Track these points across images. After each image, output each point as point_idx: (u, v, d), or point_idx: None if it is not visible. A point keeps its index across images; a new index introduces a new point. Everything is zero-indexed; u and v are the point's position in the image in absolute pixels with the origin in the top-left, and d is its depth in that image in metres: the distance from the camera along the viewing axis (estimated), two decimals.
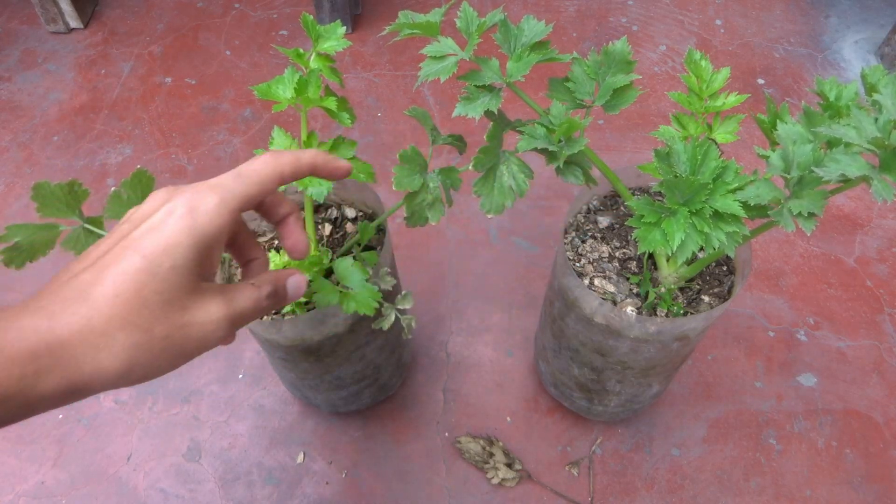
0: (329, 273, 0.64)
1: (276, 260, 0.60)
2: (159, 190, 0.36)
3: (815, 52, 1.35)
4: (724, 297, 0.66)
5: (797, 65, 1.32)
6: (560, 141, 0.53)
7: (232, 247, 0.43)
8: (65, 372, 0.32)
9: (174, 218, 0.34)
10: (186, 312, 0.34)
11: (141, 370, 0.34)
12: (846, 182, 0.46)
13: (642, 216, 0.51)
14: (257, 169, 0.37)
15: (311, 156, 0.40)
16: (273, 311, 0.62)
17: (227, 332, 0.36)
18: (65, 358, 0.32)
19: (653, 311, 0.64)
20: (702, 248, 0.50)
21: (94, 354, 0.32)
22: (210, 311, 0.35)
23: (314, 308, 0.57)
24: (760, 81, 1.30)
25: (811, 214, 0.46)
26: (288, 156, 0.39)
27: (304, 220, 0.42)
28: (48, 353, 0.31)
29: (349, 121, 0.55)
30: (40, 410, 0.32)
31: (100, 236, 0.53)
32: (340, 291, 0.57)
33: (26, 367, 0.30)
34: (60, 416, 0.91)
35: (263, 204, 0.41)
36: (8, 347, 0.31)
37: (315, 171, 0.40)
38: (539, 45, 0.52)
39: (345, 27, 0.56)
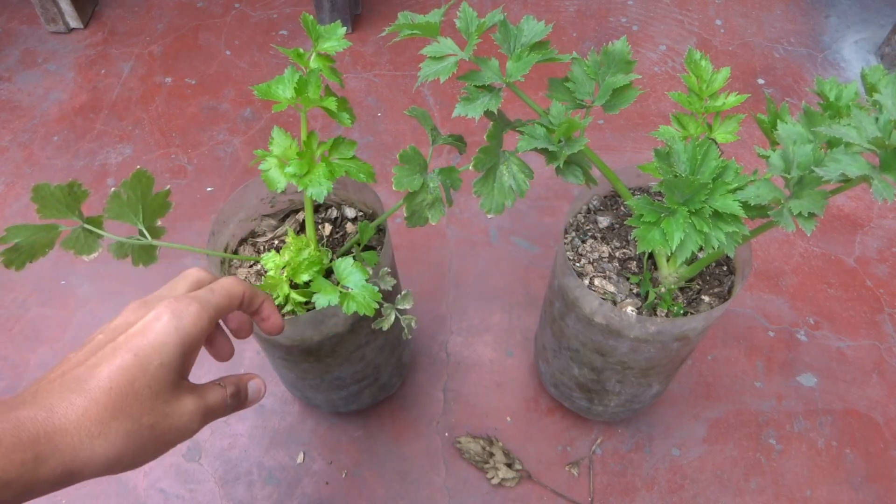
0: (329, 273, 0.64)
1: (275, 260, 0.60)
2: (131, 303, 0.42)
3: (815, 52, 1.35)
4: (724, 297, 0.66)
5: (797, 65, 1.32)
6: (560, 141, 0.53)
7: (209, 346, 0.49)
8: (63, 458, 0.34)
9: (161, 323, 0.39)
10: (169, 405, 0.39)
11: (130, 457, 0.37)
12: (846, 182, 0.46)
13: (641, 215, 0.51)
14: (225, 286, 0.45)
15: (263, 296, 0.48)
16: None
17: (200, 424, 0.41)
18: (62, 445, 0.35)
19: (653, 311, 0.64)
20: (701, 248, 0.50)
21: (89, 442, 0.35)
22: (188, 405, 0.40)
23: (314, 308, 0.57)
24: (760, 81, 1.30)
25: (811, 214, 0.46)
26: (248, 286, 0.47)
27: (273, 302, 0.50)
28: (47, 440, 0.34)
29: (349, 121, 0.55)
30: (37, 494, 0.35)
31: (99, 236, 0.53)
32: (340, 291, 0.57)
33: (26, 453, 0.33)
34: None
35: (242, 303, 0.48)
36: (8, 437, 0.33)
37: (257, 311, 0.48)
38: (539, 45, 0.52)
39: (345, 27, 0.56)
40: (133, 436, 0.37)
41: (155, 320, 0.39)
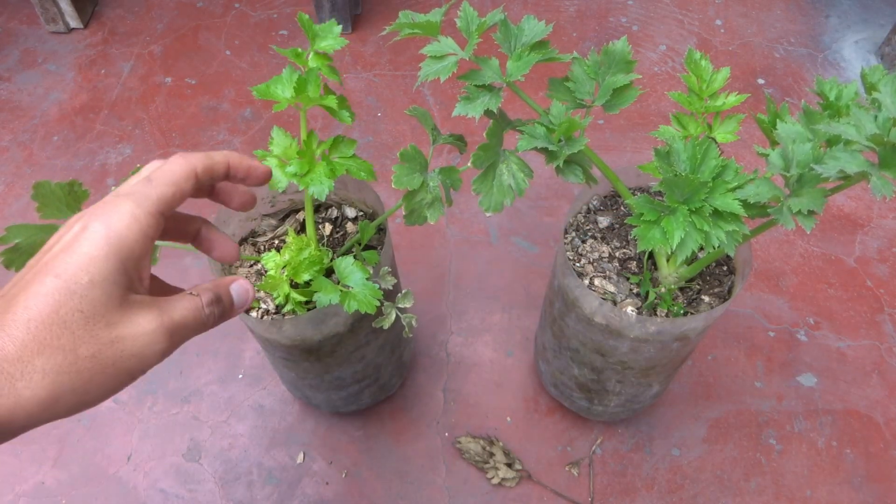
0: (330, 272, 0.64)
1: (276, 259, 0.60)
2: (70, 218, 0.35)
3: (815, 52, 1.35)
4: (724, 297, 0.66)
5: (797, 65, 1.32)
6: (560, 140, 0.53)
7: (171, 236, 0.41)
8: None
9: (88, 233, 0.32)
10: (115, 328, 0.32)
11: (71, 396, 0.31)
12: (846, 179, 0.46)
13: (641, 214, 0.51)
14: (169, 170, 0.36)
15: (223, 155, 0.38)
16: (274, 311, 0.61)
17: (167, 345, 0.34)
18: None
19: (653, 311, 0.64)
20: (702, 248, 0.50)
21: (10, 386, 0.29)
22: (141, 324, 0.33)
23: (315, 307, 0.57)
24: (760, 81, 1.30)
25: (811, 212, 0.46)
26: (199, 155, 0.37)
27: (216, 226, 0.43)
28: None
29: (349, 118, 0.55)
30: None
31: None
32: (341, 290, 0.57)
33: None
34: None
35: (172, 229, 0.40)
36: None
37: (231, 172, 0.39)
38: (539, 45, 0.52)
39: (341, 25, 0.56)
40: (67, 372, 0.30)
41: (81, 231, 0.32)
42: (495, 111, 0.53)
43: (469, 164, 0.53)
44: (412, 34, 0.51)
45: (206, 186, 0.40)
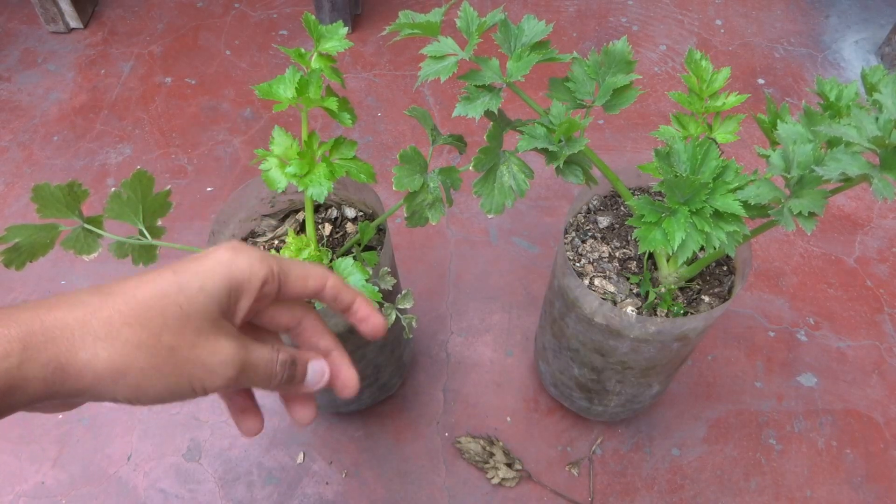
0: None
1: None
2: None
3: (815, 52, 1.35)
4: (724, 297, 0.66)
5: (797, 65, 1.32)
6: (560, 141, 0.53)
7: (235, 409, 0.42)
8: (56, 352, 0.30)
9: (215, 254, 0.36)
10: (200, 335, 0.34)
11: (138, 375, 0.32)
12: (847, 181, 0.46)
13: (643, 216, 0.51)
14: (309, 265, 0.39)
15: (355, 293, 0.41)
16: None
17: (234, 374, 0.35)
18: (59, 339, 0.30)
19: (653, 311, 0.64)
20: (702, 248, 0.50)
21: (92, 342, 0.31)
22: (223, 344, 0.35)
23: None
24: (760, 81, 1.30)
25: (811, 214, 0.46)
26: (339, 278, 0.40)
27: (347, 356, 0.42)
28: (42, 331, 0.30)
29: (350, 121, 0.55)
30: (28, 395, 0.30)
31: (99, 236, 0.53)
32: None
33: (13, 343, 0.29)
34: (60, 416, 0.91)
35: (301, 335, 0.42)
36: None
37: (350, 310, 0.41)
38: (539, 45, 0.52)
39: (346, 27, 0.56)
40: (146, 348, 0.32)
41: (211, 252, 0.36)
42: (495, 111, 0.53)
43: (470, 167, 0.53)
44: (412, 34, 0.51)
45: (290, 317, 0.42)
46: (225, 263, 0.35)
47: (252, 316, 0.39)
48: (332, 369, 0.42)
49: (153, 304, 0.33)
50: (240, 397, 0.42)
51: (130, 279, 0.34)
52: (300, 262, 0.39)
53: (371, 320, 0.42)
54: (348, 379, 0.41)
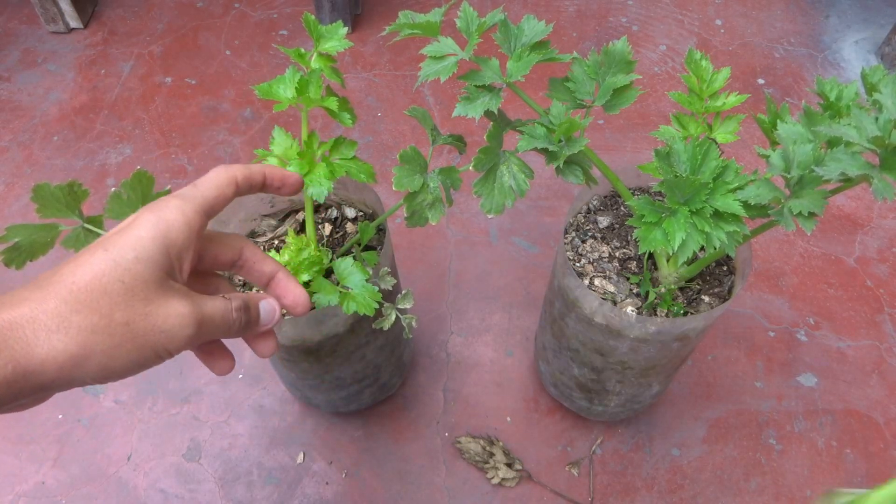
0: (329, 273, 0.64)
1: (277, 259, 0.60)
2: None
3: (815, 52, 1.35)
4: (724, 297, 0.66)
5: (797, 65, 1.32)
6: (560, 141, 0.53)
7: (206, 355, 0.44)
8: (13, 353, 0.30)
9: (139, 220, 0.35)
10: (150, 303, 0.34)
11: (101, 357, 0.32)
12: (847, 181, 0.46)
13: (643, 216, 0.51)
14: (211, 177, 0.40)
15: (260, 166, 0.42)
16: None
17: (194, 331, 0.36)
18: (12, 340, 0.30)
19: (653, 311, 0.64)
20: (702, 248, 0.50)
21: (46, 336, 0.31)
22: (175, 306, 0.35)
23: (314, 308, 0.57)
24: (760, 81, 1.30)
25: (811, 214, 0.46)
26: (239, 166, 0.41)
27: (292, 275, 0.44)
28: None
29: (350, 121, 0.55)
30: None
31: (100, 235, 0.53)
32: (340, 291, 0.57)
33: None
34: (60, 417, 0.91)
35: (244, 265, 0.43)
36: None
37: (267, 181, 0.42)
38: (539, 45, 0.52)
39: (346, 27, 0.56)
40: (102, 331, 0.32)
41: (134, 219, 0.36)
42: (495, 111, 0.53)
43: (470, 167, 0.53)
44: (412, 34, 0.51)
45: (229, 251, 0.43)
46: (151, 226, 0.35)
47: (195, 263, 0.39)
48: (279, 292, 0.43)
49: (95, 287, 0.33)
50: (205, 343, 0.43)
51: (63, 266, 0.34)
52: (202, 180, 0.39)
53: (291, 293, 0.43)
54: (297, 297, 0.43)
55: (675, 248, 0.49)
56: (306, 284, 0.60)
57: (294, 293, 0.43)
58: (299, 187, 0.44)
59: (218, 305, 0.37)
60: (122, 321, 0.33)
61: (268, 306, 0.42)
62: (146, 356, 0.34)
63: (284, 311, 0.45)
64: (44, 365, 0.31)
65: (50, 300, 0.32)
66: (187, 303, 0.35)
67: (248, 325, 0.40)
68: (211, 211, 0.39)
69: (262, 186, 0.42)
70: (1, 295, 0.33)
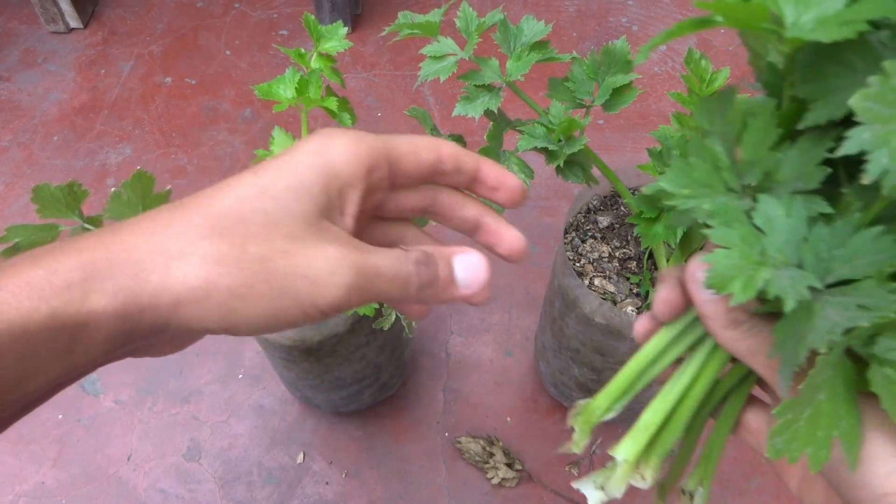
0: None
1: None
2: None
3: None
4: None
5: None
6: (560, 140, 0.53)
7: (433, 216, 0.35)
8: (125, 279, 0.25)
9: (301, 145, 0.29)
10: (296, 242, 0.27)
11: (226, 295, 0.26)
12: None
13: (642, 212, 0.51)
14: (411, 136, 0.31)
15: (476, 156, 0.32)
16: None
17: (350, 279, 0.27)
18: (126, 263, 0.25)
19: None
20: (703, 247, 0.50)
21: (164, 263, 0.25)
22: (327, 249, 0.27)
23: None
24: None
25: None
26: (451, 143, 0.32)
27: (501, 216, 0.34)
28: (106, 257, 0.25)
29: (350, 121, 0.55)
30: (97, 343, 0.25)
31: None
32: None
33: (73, 273, 0.24)
34: (60, 417, 0.91)
35: (438, 212, 0.35)
36: (53, 258, 0.24)
37: (477, 177, 0.33)
38: (539, 45, 0.52)
39: (346, 27, 0.56)
40: (230, 264, 0.26)
41: (295, 146, 0.29)
42: (495, 111, 0.53)
43: None
44: (412, 34, 0.51)
45: (467, 223, 0.34)
46: (315, 154, 0.29)
47: (372, 211, 0.32)
48: (489, 240, 0.34)
49: (231, 213, 0.27)
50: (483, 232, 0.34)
51: (207, 189, 0.28)
52: (403, 136, 0.31)
53: (506, 239, 0.33)
54: (513, 240, 0.33)
55: (679, 240, 0.50)
56: None
57: (509, 238, 0.33)
58: (519, 197, 0.33)
59: (388, 253, 0.29)
60: (255, 255, 0.26)
61: (468, 261, 0.32)
62: (285, 306, 0.27)
63: None
64: (157, 297, 0.25)
65: (177, 222, 0.26)
66: (344, 248, 0.28)
67: (434, 286, 0.31)
68: (395, 160, 0.31)
69: (472, 180, 0.33)
70: (138, 216, 0.28)
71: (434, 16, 0.50)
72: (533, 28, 0.52)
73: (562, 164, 0.53)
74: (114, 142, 1.21)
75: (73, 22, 1.39)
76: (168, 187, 0.56)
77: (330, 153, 0.29)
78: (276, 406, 0.91)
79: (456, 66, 0.51)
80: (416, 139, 0.31)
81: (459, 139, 0.60)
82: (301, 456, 0.87)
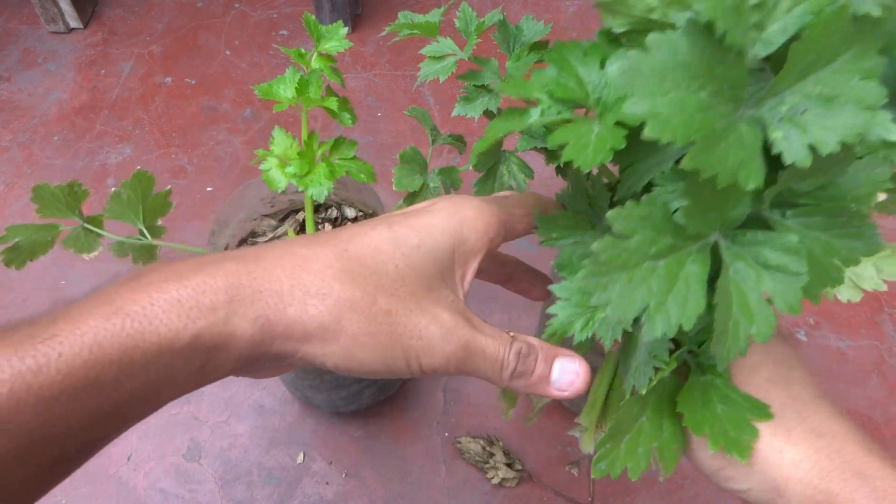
0: None
1: None
2: None
3: None
4: None
5: None
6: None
7: (487, 275, 0.38)
8: (265, 308, 0.26)
9: (435, 207, 0.31)
10: (419, 302, 0.29)
11: (351, 340, 0.28)
12: None
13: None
14: (523, 195, 0.35)
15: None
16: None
17: (456, 354, 0.29)
18: (268, 292, 0.26)
19: None
20: None
21: (301, 297, 0.27)
22: (444, 318, 0.29)
23: None
24: None
25: None
26: (541, 198, 0.36)
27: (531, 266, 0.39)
28: (250, 282, 0.26)
29: (350, 121, 0.55)
30: (227, 363, 0.26)
31: (100, 235, 0.53)
32: None
33: (220, 294, 0.26)
34: None
35: (515, 284, 0.38)
36: (199, 278, 0.26)
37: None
38: (538, 45, 0.52)
39: (348, 27, 0.56)
40: (361, 311, 0.27)
41: (429, 204, 0.32)
42: (494, 111, 0.53)
43: (469, 166, 0.53)
44: (411, 35, 0.51)
45: (502, 272, 0.39)
46: (448, 217, 0.30)
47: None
48: (522, 288, 0.39)
49: (367, 261, 0.28)
50: (518, 271, 0.40)
51: (342, 230, 0.30)
52: (512, 195, 0.34)
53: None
54: (539, 292, 0.38)
55: None
56: None
57: (535, 291, 0.38)
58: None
59: (494, 335, 0.31)
60: (383, 308, 0.28)
61: (570, 367, 0.34)
62: (396, 359, 0.29)
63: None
64: (292, 328, 0.27)
65: (317, 261, 0.28)
66: (458, 319, 0.30)
67: (524, 376, 0.33)
68: (511, 230, 0.33)
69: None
70: (274, 243, 0.29)
71: (433, 16, 0.50)
72: (532, 28, 0.52)
73: (562, 164, 0.53)
74: (114, 142, 1.21)
75: (73, 22, 1.39)
76: (168, 187, 0.56)
77: (459, 221, 0.31)
78: (276, 406, 0.91)
79: (455, 66, 0.51)
80: (525, 199, 0.36)
81: (459, 139, 0.60)
82: (301, 456, 0.87)
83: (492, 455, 0.86)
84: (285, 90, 0.54)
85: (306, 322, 0.27)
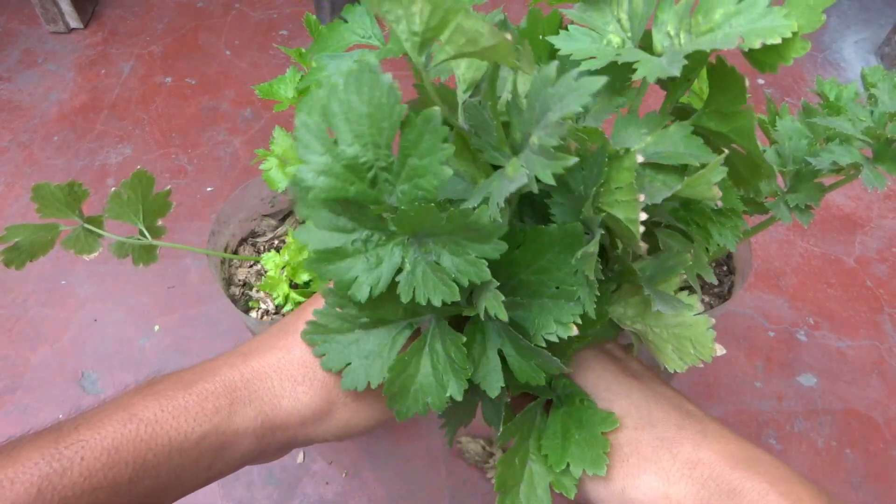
0: None
1: (275, 260, 0.60)
2: None
3: (815, 52, 1.35)
4: (724, 297, 0.66)
5: (797, 65, 1.32)
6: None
7: None
8: (262, 405, 0.30)
9: None
10: None
11: (345, 413, 0.31)
12: (838, 171, 0.46)
13: None
14: None
15: None
16: (273, 312, 0.61)
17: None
18: (262, 391, 0.30)
19: None
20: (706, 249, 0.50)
21: (291, 388, 0.30)
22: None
23: None
24: (760, 82, 1.30)
25: (808, 206, 0.47)
26: None
27: None
28: (244, 385, 0.30)
29: None
30: (241, 453, 0.29)
31: (100, 235, 0.53)
32: None
33: (221, 399, 0.29)
34: (60, 416, 0.91)
35: None
36: (202, 383, 0.29)
37: None
38: None
39: None
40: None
41: None
42: None
43: None
44: None
45: None
46: None
47: None
48: None
49: None
50: None
51: (309, 309, 0.33)
52: None
53: None
54: None
55: None
56: (306, 284, 0.60)
57: None
58: None
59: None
60: None
61: None
62: (389, 413, 0.32)
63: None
64: (289, 418, 0.30)
65: (296, 348, 0.31)
66: None
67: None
68: None
69: None
70: (255, 340, 0.33)
71: None
72: None
73: None
74: (114, 142, 1.21)
75: (73, 22, 1.40)
76: (168, 187, 0.56)
77: None
78: None
79: None
80: None
81: None
82: (301, 456, 0.87)
83: (492, 455, 0.86)
84: (285, 90, 0.54)
85: (301, 410, 0.30)
